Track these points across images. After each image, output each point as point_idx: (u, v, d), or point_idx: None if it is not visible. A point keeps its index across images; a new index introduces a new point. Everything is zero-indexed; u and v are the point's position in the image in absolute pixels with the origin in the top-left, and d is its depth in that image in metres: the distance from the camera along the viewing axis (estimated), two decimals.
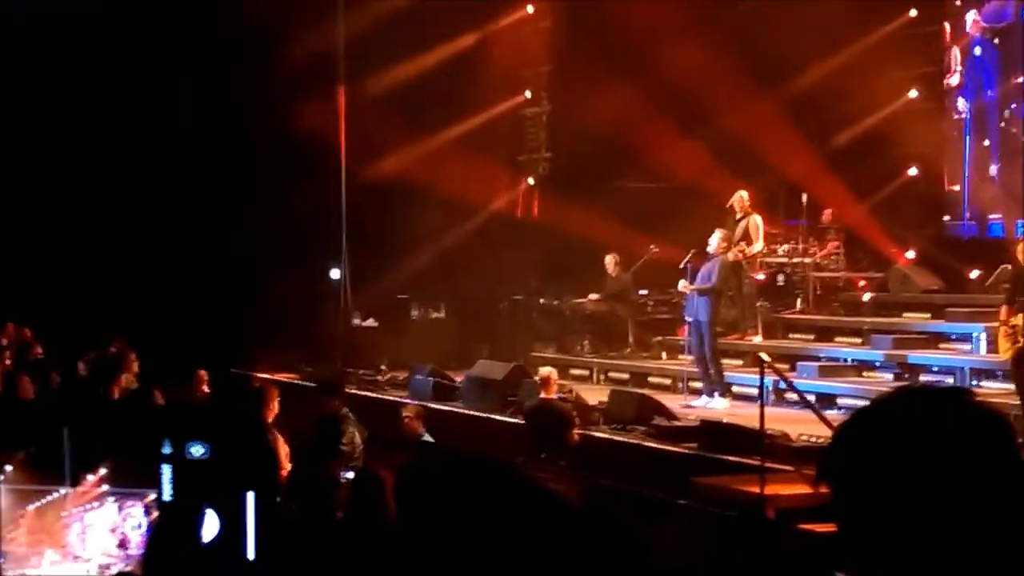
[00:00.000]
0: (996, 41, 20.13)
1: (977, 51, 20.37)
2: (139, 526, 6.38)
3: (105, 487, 6.42)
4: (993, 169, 20.19)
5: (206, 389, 14.28)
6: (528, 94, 23.99)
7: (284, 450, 10.53)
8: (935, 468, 1.88)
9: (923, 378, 16.46)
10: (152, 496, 6.03)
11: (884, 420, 1.95)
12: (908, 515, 1.88)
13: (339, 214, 22.48)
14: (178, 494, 5.10)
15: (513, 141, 24.00)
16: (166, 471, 5.14)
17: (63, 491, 6.68)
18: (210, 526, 4.97)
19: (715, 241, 16.98)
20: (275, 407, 11.45)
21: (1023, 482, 1.91)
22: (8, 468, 6.76)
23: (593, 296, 21.11)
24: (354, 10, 22.17)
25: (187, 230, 22.17)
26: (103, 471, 6.50)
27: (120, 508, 6.49)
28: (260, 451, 5.93)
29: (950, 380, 16.02)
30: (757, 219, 18.72)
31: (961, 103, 20.72)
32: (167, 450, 5.11)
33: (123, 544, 6.47)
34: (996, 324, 13.58)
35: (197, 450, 5.11)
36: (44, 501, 6.64)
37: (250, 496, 5.10)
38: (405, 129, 22.07)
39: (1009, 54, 19.85)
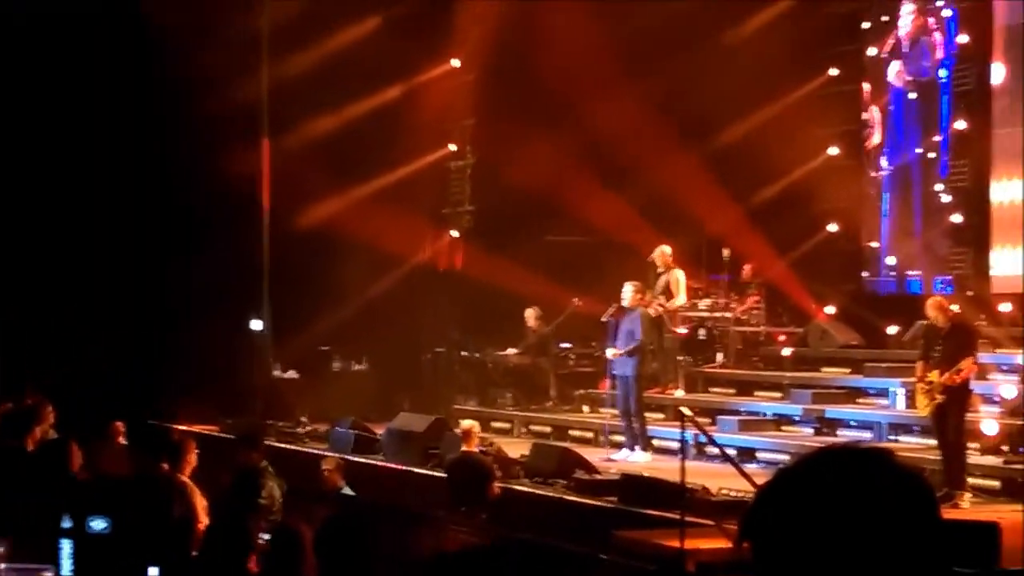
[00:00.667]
0: (914, 96, 20.44)
1: (891, 108, 20.68)
2: None
3: (2, 565, 6.16)
4: (915, 225, 20.47)
5: (123, 441, 14.10)
6: (453, 147, 24.04)
7: (202, 504, 10.39)
8: (857, 528, 1.89)
9: (841, 432, 16.60)
10: (50, 574, 5.74)
11: (807, 480, 1.96)
12: (829, 574, 1.88)
13: (261, 265, 22.35)
14: (79, 570, 4.90)
15: (437, 194, 24.03)
16: (66, 546, 4.94)
17: None
18: None
19: (628, 294, 17.02)
20: (193, 459, 11.29)
21: (942, 543, 1.93)
22: None
23: (512, 350, 21.13)
24: (279, 61, 22.14)
25: (107, 279, 21.92)
26: (1, 548, 6.26)
27: None
28: (166, 523, 5.75)
29: (868, 435, 16.18)
30: (679, 273, 18.81)
31: (884, 161, 21.00)
32: (67, 524, 4.90)
33: None
34: (913, 380, 13.72)
35: (98, 524, 4.92)
36: None
37: (153, 572, 4.94)
38: (329, 180, 22.03)
39: (929, 111, 20.17)
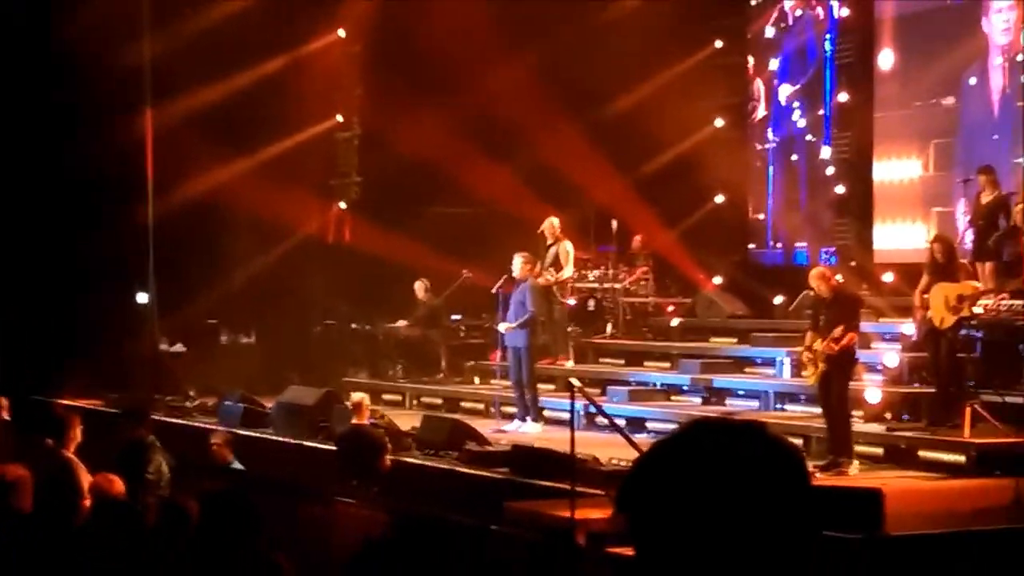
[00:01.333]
0: (797, 69, 20.71)
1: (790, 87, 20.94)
2: None
3: None
4: (801, 197, 20.75)
5: (6, 416, 13.84)
6: (340, 118, 23.87)
7: (87, 480, 10.23)
8: (729, 497, 1.93)
9: (729, 402, 16.79)
10: None
11: (680, 453, 1.99)
12: (701, 545, 1.92)
13: (146, 237, 22.02)
14: None
15: (324, 165, 23.85)
16: None
17: None
18: None
19: (518, 265, 17.03)
20: (78, 435, 11.12)
21: (812, 511, 1.97)
22: None
23: (403, 322, 21.08)
24: (162, 29, 21.78)
25: None
26: None
27: None
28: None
29: (755, 403, 16.37)
30: (568, 245, 18.87)
31: (769, 133, 21.24)
32: None
33: None
34: (800, 349, 13.91)
35: None
36: None
37: None
38: (215, 152, 21.74)
39: (813, 84, 20.44)
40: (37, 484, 9.39)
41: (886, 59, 19.26)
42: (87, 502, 9.82)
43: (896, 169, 19.06)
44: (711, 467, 1.94)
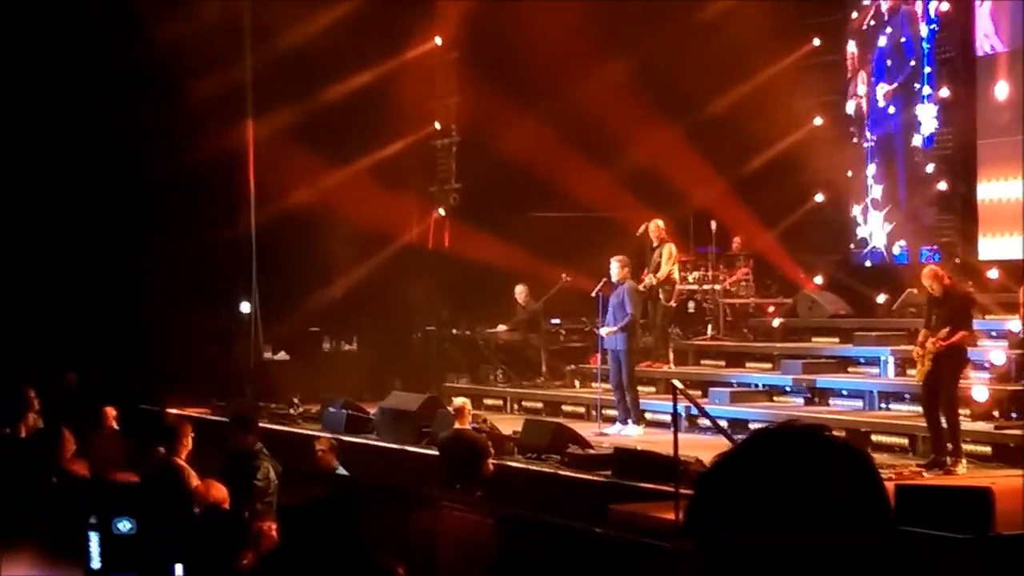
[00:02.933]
0: (896, 66, 20.45)
1: (884, 86, 20.68)
2: None
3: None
4: (900, 196, 20.49)
5: (114, 426, 14.09)
6: (437, 125, 24.00)
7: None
8: (798, 507, 1.88)
9: (833, 402, 16.66)
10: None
11: (745, 466, 1.94)
12: (775, 558, 1.87)
13: (249, 248, 22.33)
14: (106, 565, 5.03)
15: (423, 172, 23.99)
16: (94, 539, 5.06)
17: None
18: None
19: (615, 269, 17.02)
20: (189, 443, 11.31)
21: (885, 514, 1.93)
22: None
23: (502, 327, 21.16)
24: (262, 44, 22.06)
25: (96, 266, 21.85)
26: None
27: None
28: (188, 525, 5.84)
29: (859, 403, 16.23)
30: (672, 247, 18.88)
31: (867, 131, 21.02)
32: (93, 520, 5.03)
33: None
34: (908, 348, 13.75)
35: (124, 525, 5.05)
36: None
37: (179, 568, 5.09)
38: (316, 162, 21.97)
39: (912, 80, 20.17)
40: (147, 491, 9.57)
41: (1001, 90, 18.74)
42: (198, 510, 9.98)
43: (999, 189, 18.62)
44: (776, 476, 1.89)
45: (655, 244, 18.89)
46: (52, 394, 14.33)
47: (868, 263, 20.86)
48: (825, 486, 1.89)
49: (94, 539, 4.97)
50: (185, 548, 5.14)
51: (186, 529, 5.79)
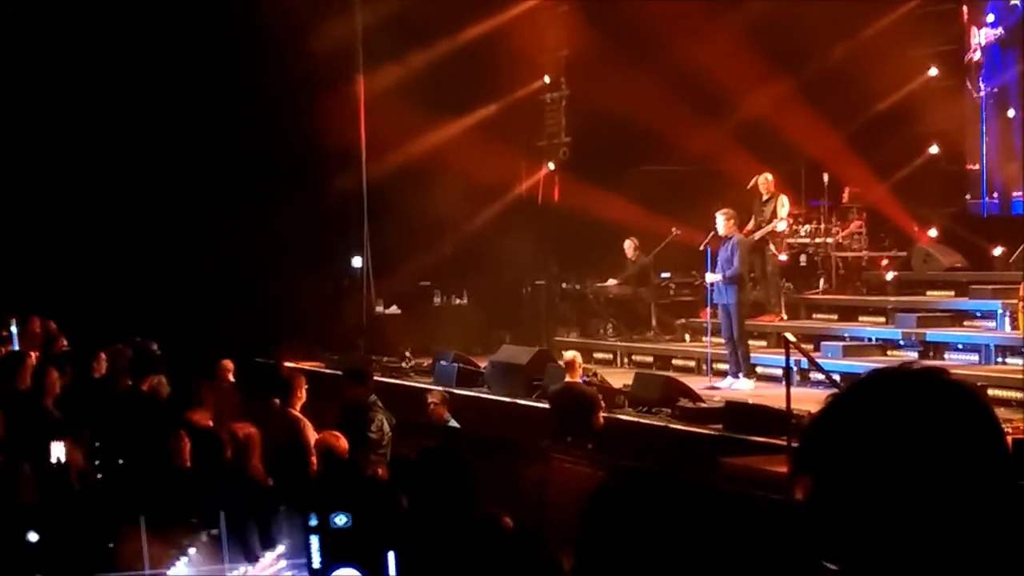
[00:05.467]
0: (1013, 15, 20.05)
1: (995, 32, 20.28)
2: None
3: (283, 563, 6.43)
4: (1017, 147, 20.13)
5: (231, 379, 14.32)
6: (547, 79, 23.97)
7: (313, 438, 10.57)
8: (914, 449, 1.86)
9: (948, 356, 16.48)
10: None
11: (859, 407, 1.93)
12: (890, 502, 1.85)
13: (360, 204, 22.52)
14: (326, 562, 5.36)
15: (533, 127, 24.00)
16: (314, 542, 5.37)
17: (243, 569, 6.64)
18: None
19: (721, 223, 16.92)
20: (303, 395, 11.50)
21: (1003, 458, 1.90)
22: (192, 550, 6.72)
23: (612, 281, 21.16)
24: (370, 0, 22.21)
25: (209, 224, 22.20)
26: (281, 547, 6.56)
27: None
28: (396, 515, 6.07)
29: (975, 357, 16.04)
30: (784, 199, 18.78)
31: (982, 83, 20.65)
32: (313, 522, 5.36)
33: None
34: (1015, 301, 13.55)
35: (341, 520, 5.35)
36: None
37: (391, 556, 5.37)
38: (425, 117, 22.08)
39: None
40: (266, 442, 9.76)
41: None
42: (314, 459, 10.16)
43: None
44: (892, 416, 1.88)
45: (765, 197, 18.78)
46: (174, 350, 14.66)
47: (984, 215, 20.53)
48: (942, 425, 1.88)
49: (314, 541, 5.29)
50: (396, 537, 5.43)
51: (396, 518, 6.04)
